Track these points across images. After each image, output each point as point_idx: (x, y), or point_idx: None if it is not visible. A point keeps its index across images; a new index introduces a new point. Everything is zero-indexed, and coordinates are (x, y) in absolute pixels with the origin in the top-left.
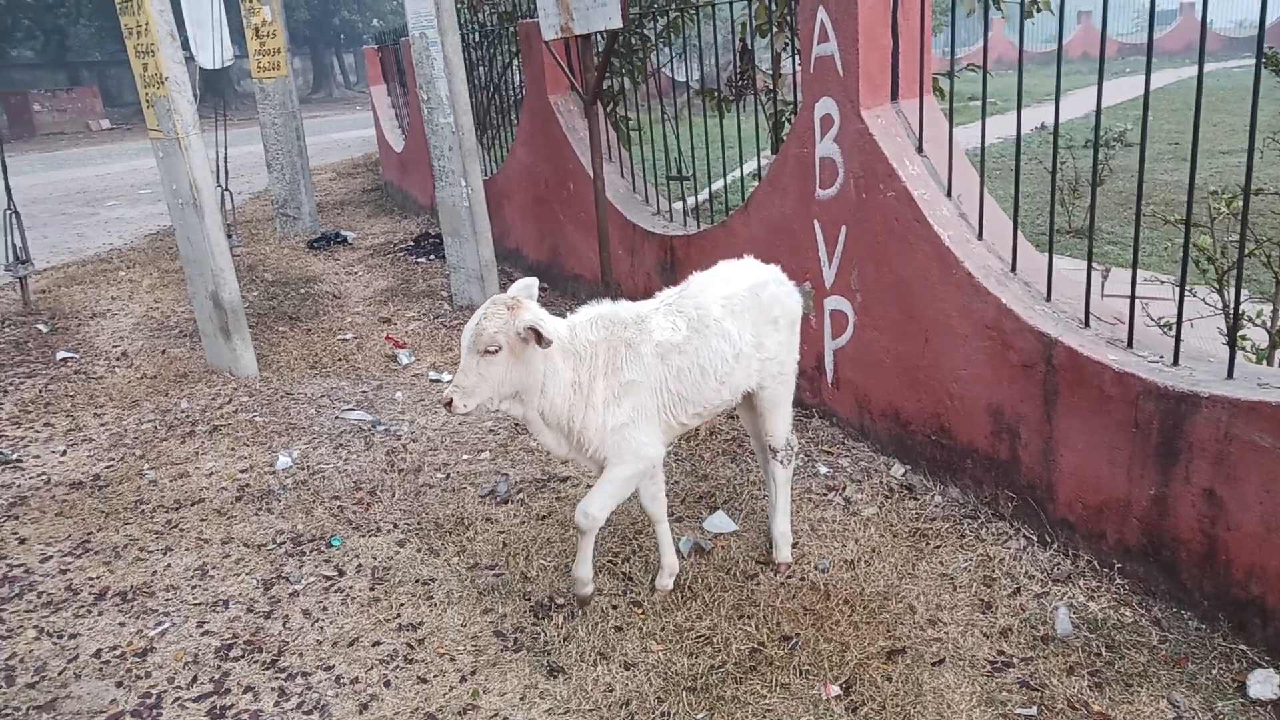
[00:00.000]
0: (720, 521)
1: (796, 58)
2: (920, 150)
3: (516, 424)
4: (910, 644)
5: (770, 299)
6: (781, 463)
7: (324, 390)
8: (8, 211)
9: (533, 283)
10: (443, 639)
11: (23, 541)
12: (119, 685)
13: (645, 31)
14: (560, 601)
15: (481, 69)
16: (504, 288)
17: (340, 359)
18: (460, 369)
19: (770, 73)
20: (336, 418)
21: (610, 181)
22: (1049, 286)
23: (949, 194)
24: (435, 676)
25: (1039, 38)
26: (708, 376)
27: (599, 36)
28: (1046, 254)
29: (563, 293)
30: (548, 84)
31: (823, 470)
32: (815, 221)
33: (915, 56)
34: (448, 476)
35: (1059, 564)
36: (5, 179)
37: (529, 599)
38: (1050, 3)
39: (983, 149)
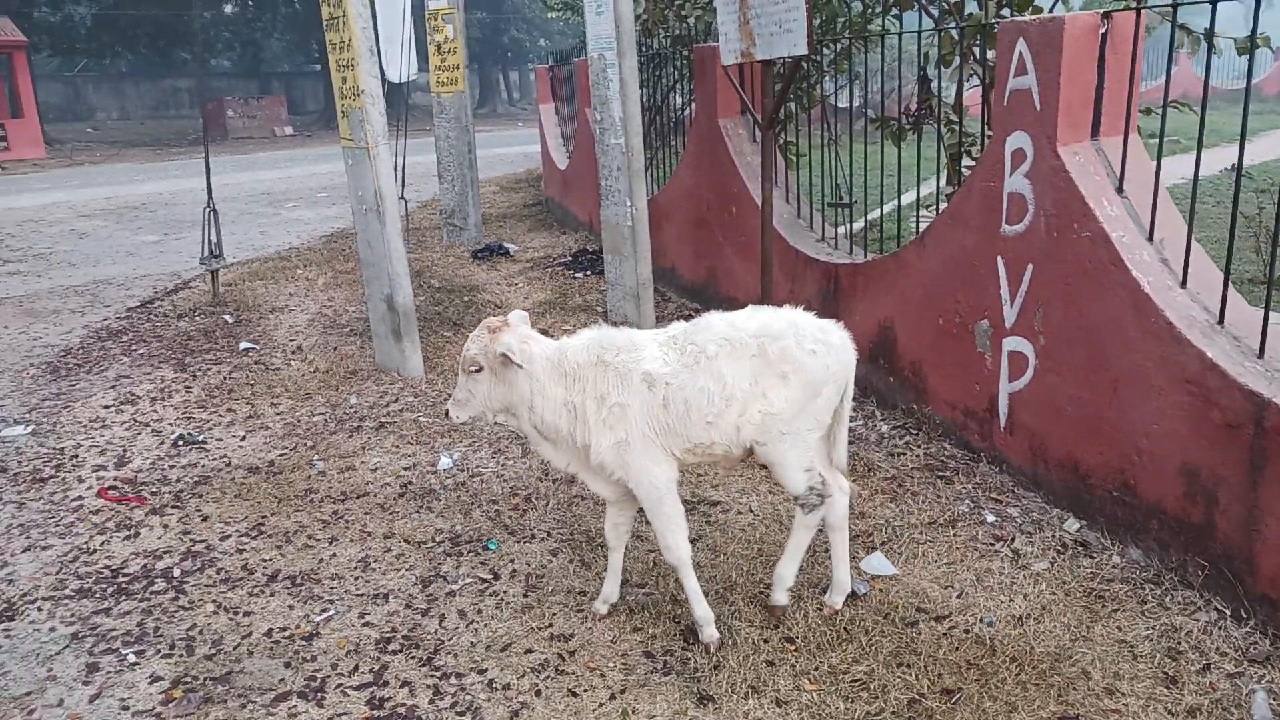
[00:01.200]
0: (878, 564)
1: (977, 88)
2: (1120, 190)
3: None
4: (1085, 712)
5: (780, 353)
6: (803, 508)
7: None
8: (208, 210)
9: (524, 315)
10: (593, 654)
11: (205, 519)
12: (287, 665)
13: (818, 59)
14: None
15: (645, 91)
16: (659, 306)
17: None
18: (459, 383)
19: (949, 103)
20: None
21: (775, 206)
22: (1262, 342)
23: (1150, 238)
24: (585, 691)
25: (1228, 73)
26: (692, 412)
27: (781, 63)
28: (1261, 308)
29: None
30: (719, 108)
31: (990, 519)
32: (999, 258)
33: (1122, 93)
34: None
35: (1256, 643)
36: (208, 179)
37: (679, 622)
38: (1270, 41)
39: (1156, 186)
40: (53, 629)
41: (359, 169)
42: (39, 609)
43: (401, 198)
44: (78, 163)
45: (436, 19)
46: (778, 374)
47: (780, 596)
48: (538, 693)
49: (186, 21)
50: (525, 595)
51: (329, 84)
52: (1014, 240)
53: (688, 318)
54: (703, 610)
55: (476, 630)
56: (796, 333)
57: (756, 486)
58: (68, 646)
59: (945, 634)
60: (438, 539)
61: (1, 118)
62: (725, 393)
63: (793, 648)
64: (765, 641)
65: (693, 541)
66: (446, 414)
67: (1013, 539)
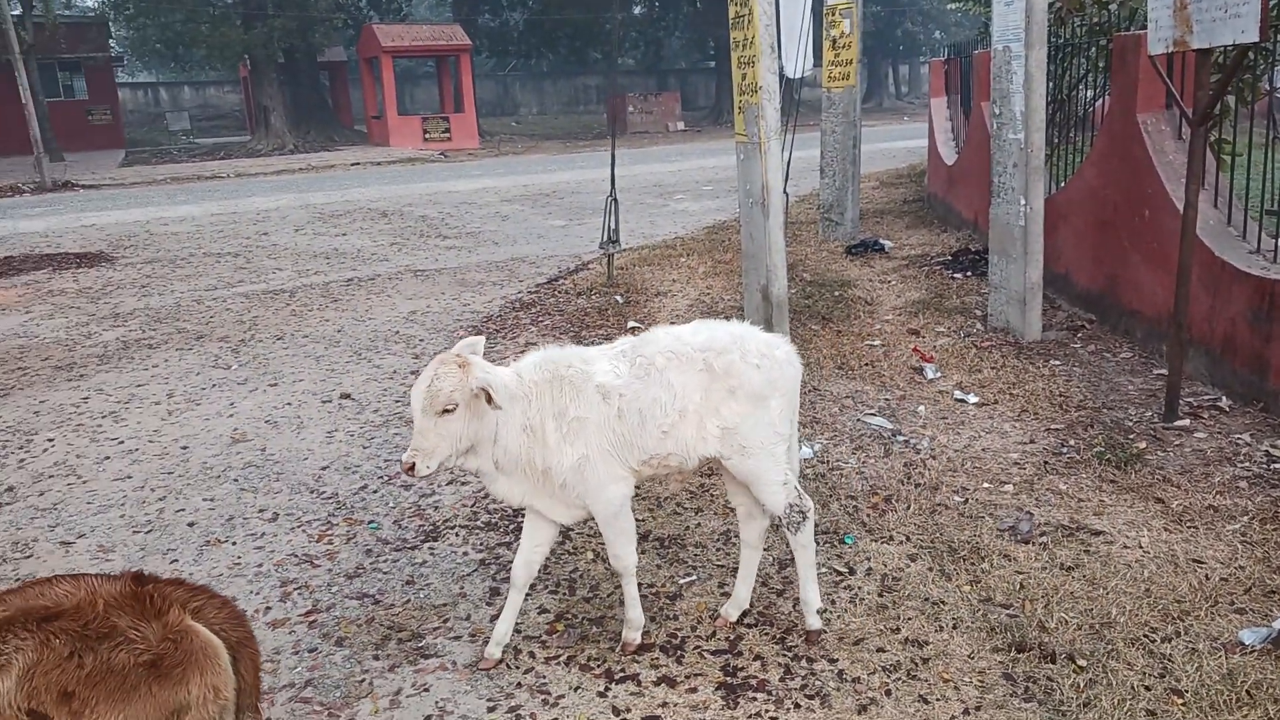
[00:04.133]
0: None
1: None
2: None
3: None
4: None
5: (725, 367)
6: (789, 529)
7: (848, 391)
8: (609, 199)
9: (477, 341)
10: (948, 665)
11: None
12: (652, 620)
13: (1269, 46)
14: (1082, 663)
15: (1049, 84)
16: (1046, 314)
17: (866, 364)
18: (417, 431)
19: None
20: (858, 420)
21: (1200, 211)
22: None
23: None
24: (937, 700)
25: None
26: (647, 422)
27: (1223, 51)
28: None
29: (1113, 328)
30: (1138, 101)
31: None
32: None
33: None
34: (966, 501)
35: None
36: (612, 171)
37: (1044, 649)
38: None
39: None
40: (466, 554)
41: (749, 163)
42: (456, 534)
43: (784, 192)
44: (503, 153)
45: (834, 14)
46: (725, 389)
47: (813, 620)
48: (888, 692)
49: (600, 23)
50: (880, 595)
51: (720, 81)
52: None
53: (1079, 329)
54: (637, 614)
55: (829, 620)
56: (741, 347)
57: (1149, 521)
58: (476, 570)
59: None
60: None
61: (447, 112)
62: (677, 404)
63: (1179, 701)
64: (1146, 689)
65: (1069, 569)
66: (409, 470)
67: None
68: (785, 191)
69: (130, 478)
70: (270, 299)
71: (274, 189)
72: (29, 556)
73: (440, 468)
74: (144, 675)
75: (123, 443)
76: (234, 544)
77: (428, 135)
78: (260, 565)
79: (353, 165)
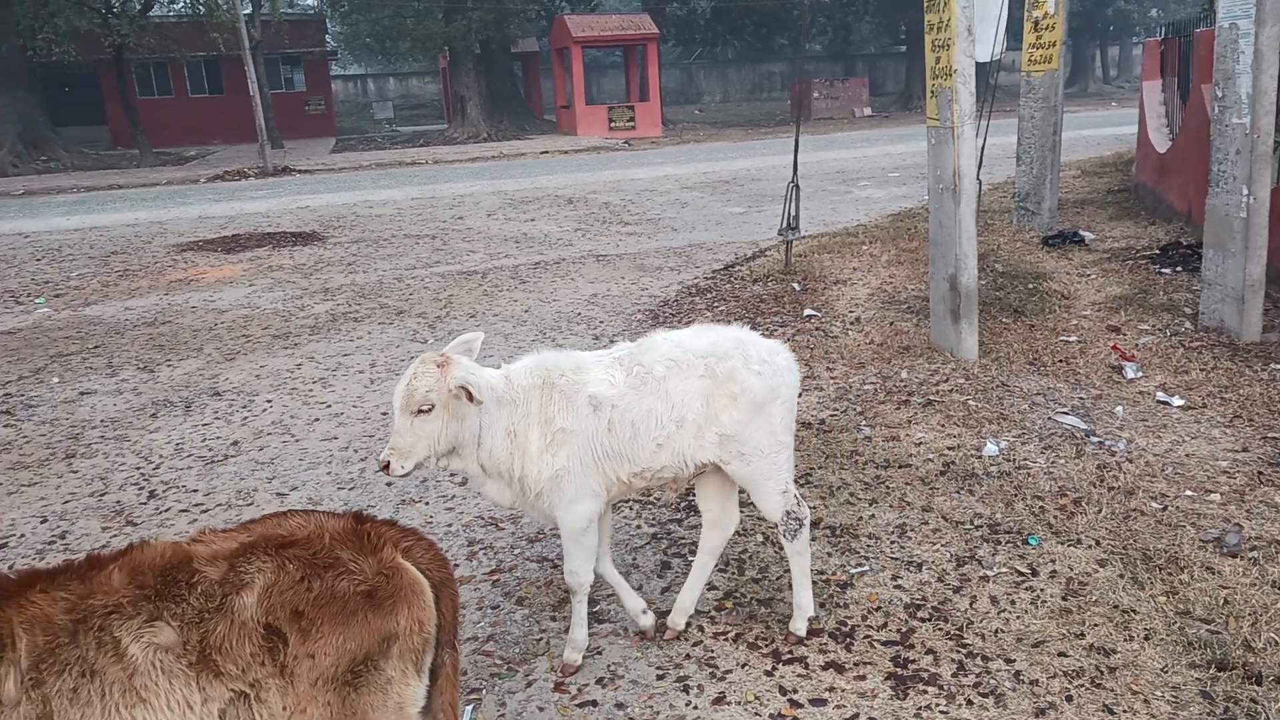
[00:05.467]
0: None
1: None
2: None
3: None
4: None
5: (727, 373)
6: (785, 536)
7: (1039, 388)
8: (791, 184)
9: (474, 338)
10: (1137, 676)
11: None
12: (822, 606)
13: None
14: None
15: None
16: (1268, 314)
17: (1060, 360)
18: (395, 430)
19: None
20: (1049, 418)
21: None
22: None
23: None
24: (1124, 712)
25: None
26: (640, 435)
27: None
28: None
29: None
30: None
31: None
32: None
33: None
34: (1164, 509)
35: None
36: (795, 157)
37: (1249, 670)
38: None
39: None
40: (638, 527)
41: (941, 149)
42: (630, 508)
43: (977, 179)
44: (685, 141)
45: None
46: (727, 395)
47: (800, 626)
48: (1069, 698)
49: (787, 9)
50: (1064, 599)
51: (911, 65)
52: None
53: None
54: (582, 635)
55: (1008, 620)
56: (743, 352)
57: None
58: (648, 544)
59: None
60: (975, 522)
61: (632, 100)
62: (675, 415)
63: None
64: None
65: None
66: (385, 468)
67: None
68: (978, 178)
69: (336, 439)
70: (464, 279)
71: (468, 175)
72: (250, 505)
73: (418, 468)
74: (361, 603)
75: (330, 406)
76: (427, 504)
77: (613, 124)
78: (450, 525)
79: (542, 153)
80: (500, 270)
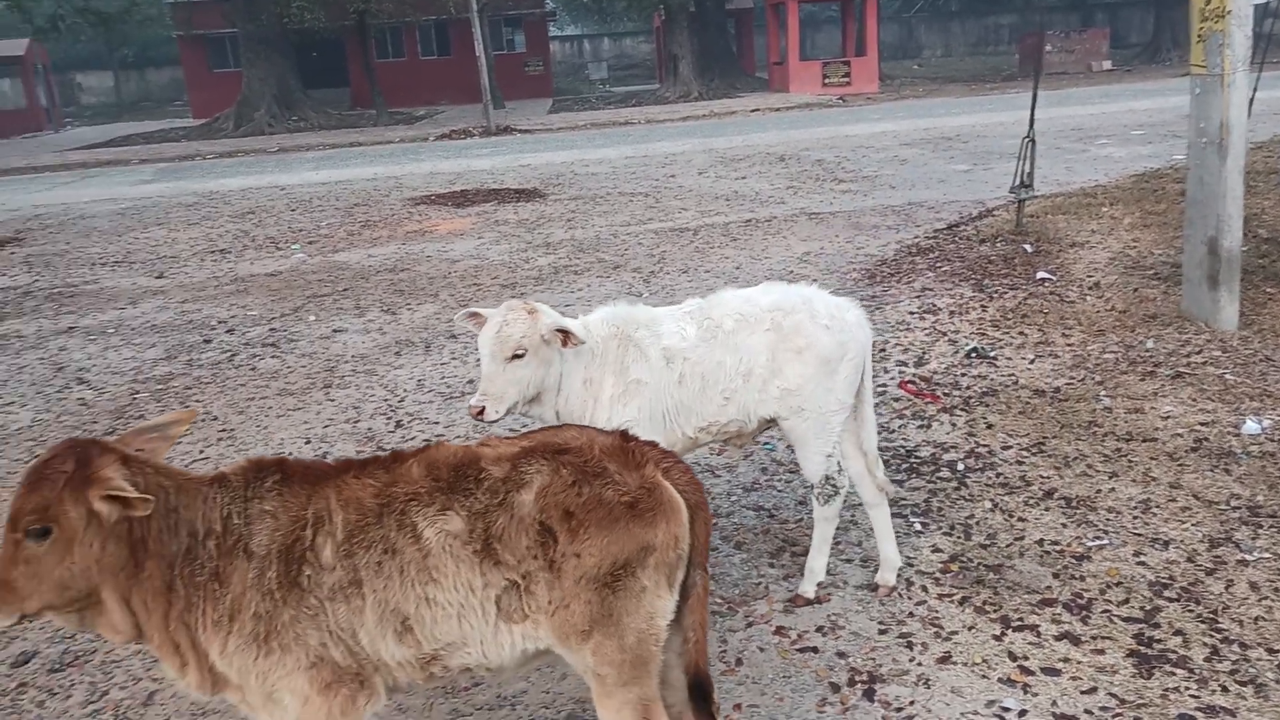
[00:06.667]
0: None
1: None
2: None
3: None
4: None
5: (794, 327)
6: (818, 499)
7: None
8: (1027, 139)
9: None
10: None
11: (989, 427)
12: (1055, 576)
13: None
14: None
15: None
16: None
17: None
18: (485, 376)
19: None
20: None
21: None
22: None
23: None
24: None
25: None
26: (710, 387)
27: None
28: None
29: None
30: None
31: None
32: None
33: None
34: None
35: None
36: (1033, 111)
37: None
38: None
39: None
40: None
41: (1206, 99)
42: None
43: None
44: (903, 97)
45: None
46: (793, 349)
47: (808, 588)
48: None
49: None
50: None
51: (1160, 14)
52: None
53: None
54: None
55: (1270, 608)
56: (810, 308)
57: None
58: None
59: None
60: (1233, 503)
61: (848, 56)
62: (742, 368)
63: None
64: None
65: None
66: (479, 414)
67: None
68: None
69: None
70: (676, 236)
71: (680, 134)
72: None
73: (508, 413)
74: (624, 512)
75: None
76: None
77: (827, 80)
78: None
79: (753, 111)
80: (711, 227)
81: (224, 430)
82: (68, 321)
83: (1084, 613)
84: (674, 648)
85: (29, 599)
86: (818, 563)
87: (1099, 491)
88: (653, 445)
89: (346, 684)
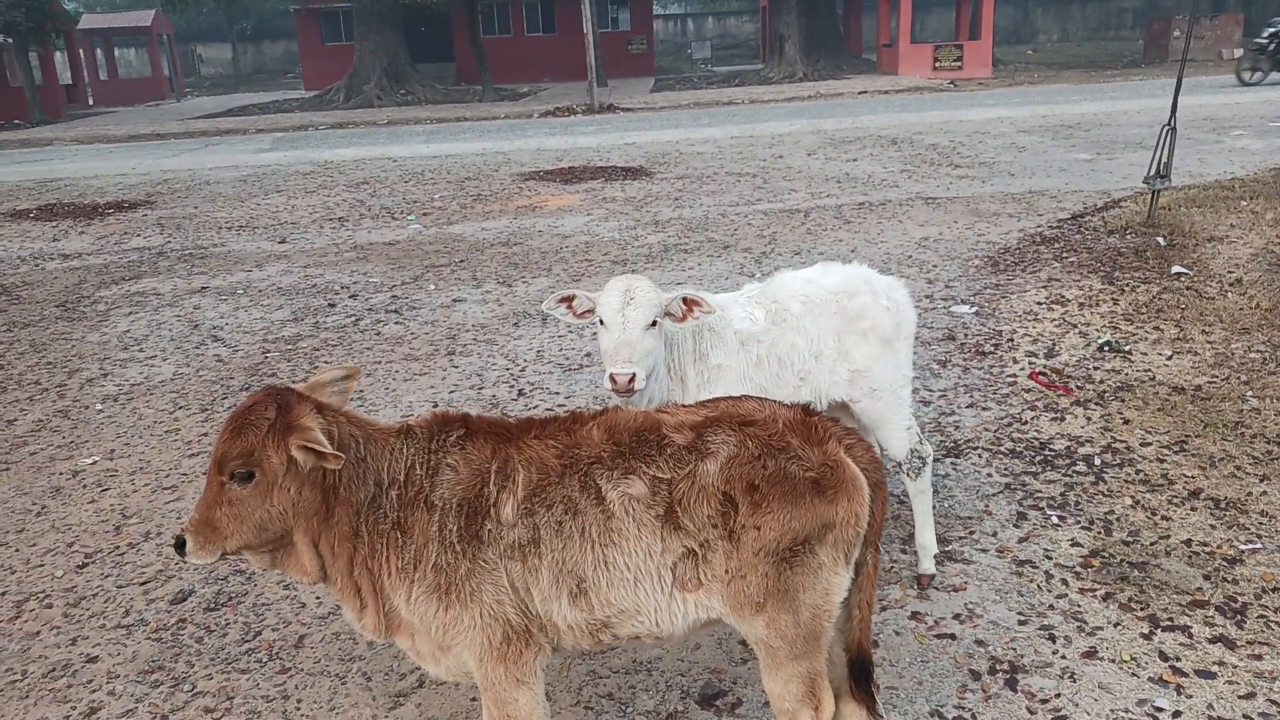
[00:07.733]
0: None
1: None
2: None
3: None
4: None
5: (858, 309)
6: (909, 475)
7: None
8: (1166, 127)
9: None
10: None
11: (1126, 422)
12: (1206, 578)
13: None
14: None
15: None
16: None
17: None
18: (624, 343)
19: None
20: None
21: None
22: None
23: None
24: None
25: None
26: (785, 369)
27: None
28: None
29: None
30: None
31: None
32: None
33: None
34: None
35: None
36: (1175, 96)
37: None
38: None
39: None
40: (989, 475)
41: None
42: (979, 455)
43: None
44: (1018, 82)
45: None
46: (857, 330)
47: (927, 565)
48: None
49: None
50: None
51: None
52: None
53: None
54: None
55: None
56: (871, 289)
57: None
58: (1001, 493)
59: None
60: None
61: (961, 39)
62: (814, 349)
63: None
64: None
65: None
66: (630, 381)
67: None
68: None
69: None
70: (786, 217)
71: (786, 115)
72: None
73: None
74: (807, 487)
75: None
76: None
77: (938, 63)
78: None
79: (860, 93)
80: (823, 209)
81: (354, 392)
82: (200, 281)
83: (1239, 616)
84: (838, 624)
85: (230, 538)
86: (927, 537)
87: (1249, 494)
88: (834, 421)
89: (516, 641)
